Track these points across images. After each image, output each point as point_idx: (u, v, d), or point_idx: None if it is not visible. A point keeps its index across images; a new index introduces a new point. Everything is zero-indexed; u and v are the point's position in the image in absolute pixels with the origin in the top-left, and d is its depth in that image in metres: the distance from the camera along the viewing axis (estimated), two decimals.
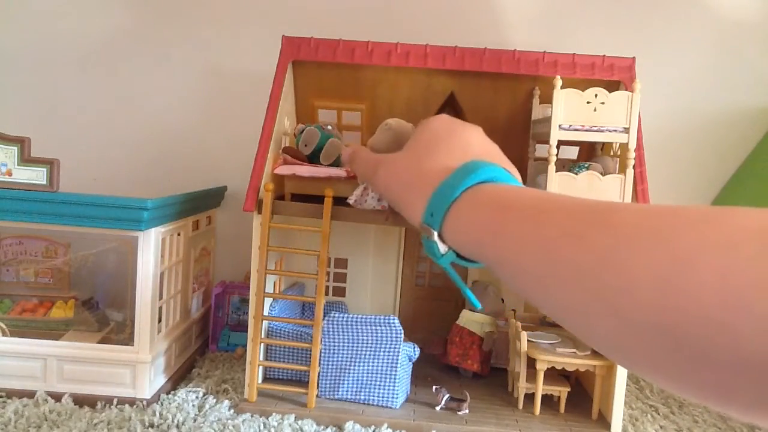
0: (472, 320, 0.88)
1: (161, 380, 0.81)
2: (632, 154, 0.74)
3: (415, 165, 0.54)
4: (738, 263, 0.25)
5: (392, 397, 0.77)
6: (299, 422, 0.73)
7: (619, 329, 0.30)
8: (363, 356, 0.78)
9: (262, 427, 0.71)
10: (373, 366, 0.78)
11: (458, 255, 0.47)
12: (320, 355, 0.77)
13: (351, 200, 0.71)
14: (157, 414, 0.72)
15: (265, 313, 0.79)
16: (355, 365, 0.78)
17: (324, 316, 0.77)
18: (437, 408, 0.77)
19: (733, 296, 0.24)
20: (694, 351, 0.26)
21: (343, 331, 0.78)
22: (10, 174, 0.76)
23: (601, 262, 0.32)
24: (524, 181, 0.93)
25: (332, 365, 0.78)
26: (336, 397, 0.78)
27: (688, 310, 0.26)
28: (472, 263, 0.47)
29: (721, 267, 0.26)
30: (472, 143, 0.54)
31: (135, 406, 0.74)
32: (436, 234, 0.47)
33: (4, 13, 1.10)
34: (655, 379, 0.30)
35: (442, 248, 0.47)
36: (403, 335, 0.78)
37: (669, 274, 0.28)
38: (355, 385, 0.78)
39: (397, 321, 0.77)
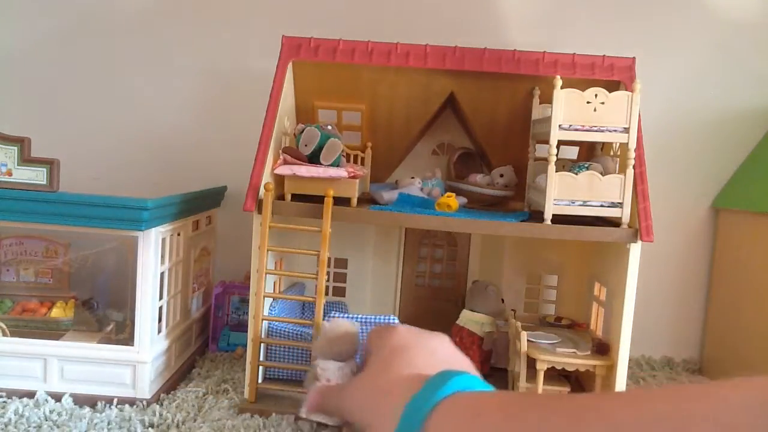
0: (472, 320, 0.88)
1: (161, 380, 0.81)
2: (632, 154, 0.74)
3: (381, 381, 0.52)
4: None
5: None
6: (299, 422, 0.73)
7: None
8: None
9: (262, 427, 0.71)
10: None
11: None
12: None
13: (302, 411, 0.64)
14: (157, 414, 0.72)
15: (265, 313, 0.79)
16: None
17: (324, 316, 0.77)
18: None
19: None
20: None
21: None
22: (10, 174, 0.76)
23: None
24: (524, 181, 0.94)
25: None
26: None
27: None
28: None
29: None
30: (437, 351, 0.54)
31: (135, 406, 0.74)
32: None
33: (4, 13, 1.10)
34: None
35: None
36: None
37: None
38: None
39: (397, 321, 0.77)
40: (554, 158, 0.74)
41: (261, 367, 0.79)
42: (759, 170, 1.00)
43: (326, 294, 0.96)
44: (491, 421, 0.41)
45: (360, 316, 0.78)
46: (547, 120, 0.76)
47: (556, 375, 0.80)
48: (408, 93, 0.90)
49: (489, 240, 0.98)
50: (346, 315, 0.78)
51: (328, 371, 0.65)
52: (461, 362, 0.54)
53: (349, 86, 0.89)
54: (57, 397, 0.74)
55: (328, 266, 0.98)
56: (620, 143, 0.80)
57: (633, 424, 0.32)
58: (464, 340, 0.88)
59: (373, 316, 0.78)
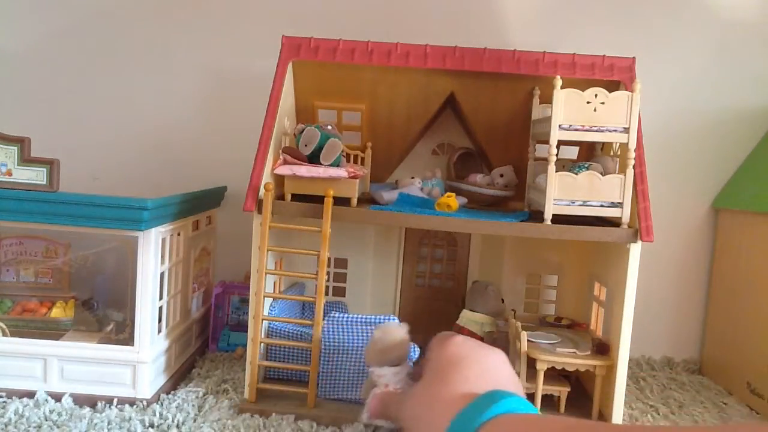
0: (472, 320, 0.88)
1: (161, 380, 0.81)
2: (632, 154, 0.74)
3: (433, 391, 0.54)
4: None
5: None
6: (299, 422, 0.73)
7: None
8: (363, 356, 0.78)
9: (262, 427, 0.71)
10: None
11: None
12: (320, 355, 0.77)
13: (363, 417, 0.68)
14: (157, 414, 0.72)
15: (265, 313, 0.79)
16: (355, 365, 0.78)
17: (324, 316, 0.77)
18: None
19: None
20: None
21: (343, 331, 0.78)
22: (10, 174, 0.76)
23: None
24: (524, 181, 0.94)
25: (332, 365, 0.78)
26: (336, 397, 0.78)
27: None
28: None
29: None
30: (490, 368, 0.55)
31: (135, 406, 0.74)
32: None
33: (4, 14, 1.10)
34: None
35: None
36: None
37: None
38: (355, 385, 0.78)
39: (396, 320, 0.77)
40: (554, 158, 0.74)
41: (261, 367, 0.79)
42: (759, 170, 1.00)
43: (326, 294, 0.96)
44: None
45: (360, 316, 0.78)
46: (547, 120, 0.76)
47: (556, 375, 0.80)
48: (408, 93, 0.90)
49: (489, 240, 0.98)
50: (346, 315, 0.78)
51: (385, 377, 0.67)
52: (513, 381, 0.55)
53: (349, 86, 0.89)
54: (57, 397, 0.74)
55: (328, 266, 0.98)
56: (620, 143, 0.80)
57: None
58: None
59: (373, 316, 0.78)
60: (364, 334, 0.78)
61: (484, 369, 0.55)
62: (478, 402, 0.48)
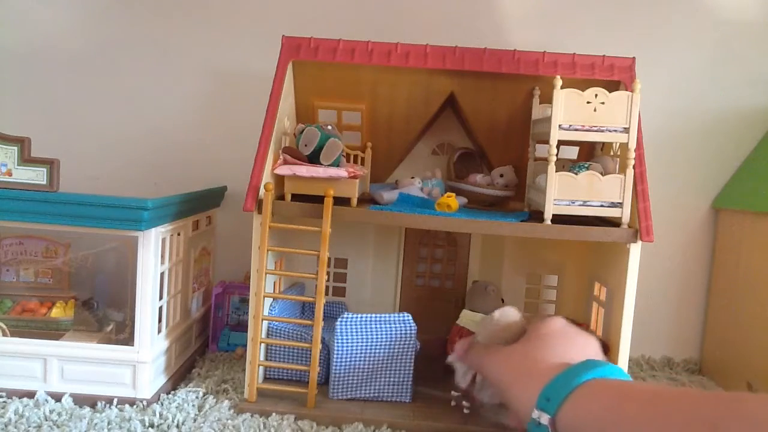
0: (472, 320, 0.88)
1: (161, 380, 0.81)
2: (632, 154, 0.74)
3: (531, 357, 0.59)
4: None
5: (405, 392, 0.79)
6: (299, 422, 0.73)
7: None
8: (378, 354, 0.78)
9: (262, 427, 0.71)
10: (388, 363, 0.78)
11: None
12: (335, 356, 0.77)
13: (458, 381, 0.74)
14: (157, 414, 0.72)
15: (265, 313, 0.79)
16: (367, 365, 0.78)
17: (324, 316, 0.77)
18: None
19: None
20: None
21: (356, 331, 0.78)
22: (10, 174, 0.76)
23: None
24: (524, 181, 0.94)
25: (345, 365, 0.78)
26: (348, 397, 0.78)
27: None
28: None
29: None
30: (587, 347, 0.60)
31: (135, 406, 0.74)
32: (547, 418, 0.50)
33: (3, 13, 1.10)
34: None
35: None
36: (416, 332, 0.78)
37: None
38: (367, 384, 0.78)
39: (411, 318, 0.77)
40: (554, 158, 0.74)
41: (261, 367, 0.79)
42: (759, 170, 1.00)
43: (326, 294, 0.96)
44: (639, 405, 0.44)
45: (375, 315, 0.78)
46: (547, 120, 0.76)
47: None
48: (408, 93, 0.90)
49: (489, 240, 0.98)
50: (361, 315, 0.78)
51: None
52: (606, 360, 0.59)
53: (349, 86, 0.89)
54: (57, 397, 0.74)
55: (328, 266, 0.98)
56: (620, 143, 0.80)
57: None
58: None
59: (387, 315, 0.78)
60: (377, 334, 0.78)
61: (582, 346, 0.59)
62: (574, 368, 0.52)
